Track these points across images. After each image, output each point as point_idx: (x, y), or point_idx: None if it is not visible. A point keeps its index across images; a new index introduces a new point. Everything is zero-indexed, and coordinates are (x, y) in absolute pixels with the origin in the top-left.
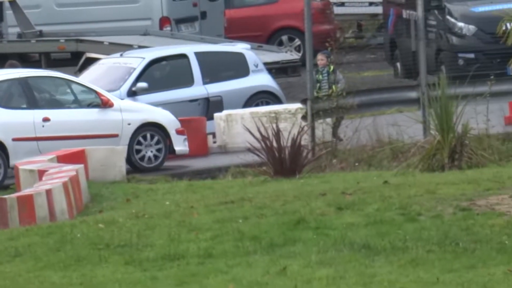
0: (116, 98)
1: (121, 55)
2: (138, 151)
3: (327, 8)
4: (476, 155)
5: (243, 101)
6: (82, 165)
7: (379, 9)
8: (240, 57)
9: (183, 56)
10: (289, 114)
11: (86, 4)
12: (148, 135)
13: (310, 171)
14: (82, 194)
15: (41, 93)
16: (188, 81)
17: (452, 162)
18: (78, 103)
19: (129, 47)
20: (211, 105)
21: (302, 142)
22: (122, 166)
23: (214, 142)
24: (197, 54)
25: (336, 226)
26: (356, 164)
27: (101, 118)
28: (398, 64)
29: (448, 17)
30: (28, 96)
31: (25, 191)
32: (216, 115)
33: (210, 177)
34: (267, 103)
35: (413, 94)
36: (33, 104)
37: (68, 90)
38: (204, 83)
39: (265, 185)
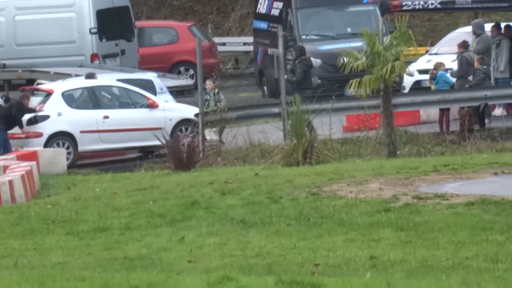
0: (161, 100)
1: (63, 81)
2: None
3: (212, 47)
4: (322, 154)
5: None
6: (35, 162)
7: (251, 48)
8: (149, 82)
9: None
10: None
11: (37, 44)
12: (183, 128)
13: (201, 166)
14: (35, 183)
15: (103, 98)
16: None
17: (304, 159)
18: (131, 105)
19: (69, 75)
20: None
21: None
22: (64, 163)
23: None
24: (119, 81)
25: (221, 206)
26: (235, 161)
27: (148, 116)
28: (265, 88)
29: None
30: (93, 99)
31: None
32: None
33: (128, 171)
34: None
35: (276, 110)
36: (96, 105)
37: (124, 95)
38: None
39: (168, 176)
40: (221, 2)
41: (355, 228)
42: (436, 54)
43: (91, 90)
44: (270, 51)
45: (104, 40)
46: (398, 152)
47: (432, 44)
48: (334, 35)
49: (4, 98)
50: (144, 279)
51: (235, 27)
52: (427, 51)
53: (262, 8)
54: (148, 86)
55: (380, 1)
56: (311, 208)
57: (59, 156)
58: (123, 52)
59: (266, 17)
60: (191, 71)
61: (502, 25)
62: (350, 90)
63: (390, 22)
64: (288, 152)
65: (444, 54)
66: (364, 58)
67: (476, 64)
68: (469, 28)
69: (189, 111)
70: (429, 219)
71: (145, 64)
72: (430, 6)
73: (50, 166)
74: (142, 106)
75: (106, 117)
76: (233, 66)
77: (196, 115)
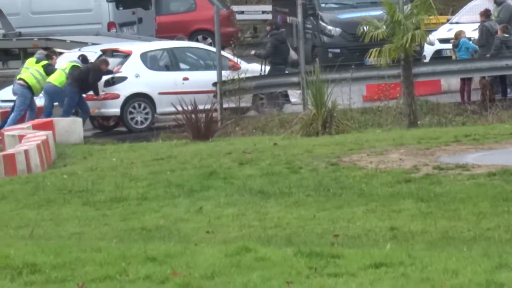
0: (244, 62)
1: (79, 49)
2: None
3: (231, 15)
4: (342, 124)
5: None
6: (50, 132)
7: (269, 16)
8: None
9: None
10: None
11: (53, 12)
12: None
13: (220, 136)
14: (51, 153)
15: (183, 59)
16: None
17: (324, 129)
18: (211, 66)
19: (85, 44)
20: None
21: (213, 114)
22: (81, 132)
23: None
24: None
25: (239, 176)
26: (253, 131)
27: (230, 77)
28: None
29: (320, 22)
30: (172, 61)
31: (9, 151)
32: None
33: (145, 140)
34: None
35: (295, 79)
36: (176, 67)
37: (205, 56)
38: None
39: (186, 146)
40: None
41: (375, 199)
42: (457, 23)
43: (171, 52)
44: (289, 19)
45: (121, 8)
46: (418, 122)
47: (453, 12)
48: (354, 3)
49: (81, 58)
50: (161, 250)
51: None
52: (448, 20)
53: None
54: None
55: None
56: (331, 178)
57: (75, 125)
58: (140, 20)
59: None
60: (209, 40)
61: None
62: (370, 59)
63: None
64: (307, 122)
65: (465, 23)
66: (384, 27)
67: (499, 33)
68: None
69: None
70: (450, 190)
71: (162, 32)
72: None
73: (67, 136)
74: (223, 68)
75: (185, 78)
76: (251, 35)
77: (215, 84)
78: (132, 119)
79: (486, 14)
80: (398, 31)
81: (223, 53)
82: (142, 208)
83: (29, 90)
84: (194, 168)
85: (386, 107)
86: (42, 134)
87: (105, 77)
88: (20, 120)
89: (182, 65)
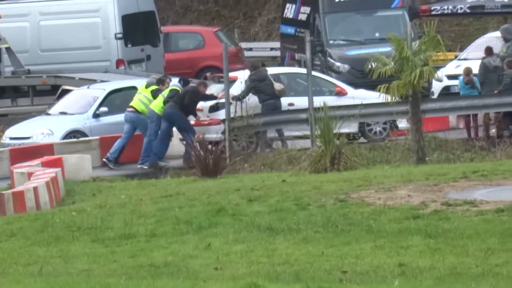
0: (351, 88)
1: (88, 87)
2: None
3: (239, 52)
4: (350, 160)
5: None
6: (59, 169)
7: (278, 53)
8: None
9: (134, 88)
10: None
11: (62, 49)
12: None
13: (228, 173)
14: (60, 190)
15: (289, 85)
16: None
17: (332, 166)
18: (319, 92)
19: (94, 81)
20: None
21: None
22: (89, 169)
23: None
24: None
25: (247, 213)
26: (262, 167)
27: (336, 103)
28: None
29: (328, 58)
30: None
31: (18, 188)
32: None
33: (154, 177)
34: None
35: (303, 115)
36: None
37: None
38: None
39: (195, 183)
40: (247, 7)
41: (383, 235)
42: (465, 59)
43: (277, 78)
44: (297, 56)
45: (129, 45)
46: (427, 159)
47: (461, 49)
48: (362, 40)
49: (182, 82)
50: (170, 287)
51: (262, 32)
52: (456, 57)
53: (289, 13)
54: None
55: (409, 6)
56: (339, 215)
57: (84, 162)
58: (148, 57)
59: (293, 21)
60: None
61: None
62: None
63: (418, 27)
64: (315, 159)
65: (473, 59)
66: (393, 63)
67: (506, 68)
68: (498, 33)
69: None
70: (458, 226)
71: (171, 69)
72: (459, 11)
73: (76, 173)
74: (330, 93)
75: (291, 104)
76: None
77: (223, 120)
78: (238, 145)
79: (487, 51)
80: (406, 68)
81: (329, 78)
82: (150, 245)
83: (142, 115)
84: (202, 204)
85: (395, 144)
86: (51, 171)
87: (209, 103)
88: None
89: (288, 91)
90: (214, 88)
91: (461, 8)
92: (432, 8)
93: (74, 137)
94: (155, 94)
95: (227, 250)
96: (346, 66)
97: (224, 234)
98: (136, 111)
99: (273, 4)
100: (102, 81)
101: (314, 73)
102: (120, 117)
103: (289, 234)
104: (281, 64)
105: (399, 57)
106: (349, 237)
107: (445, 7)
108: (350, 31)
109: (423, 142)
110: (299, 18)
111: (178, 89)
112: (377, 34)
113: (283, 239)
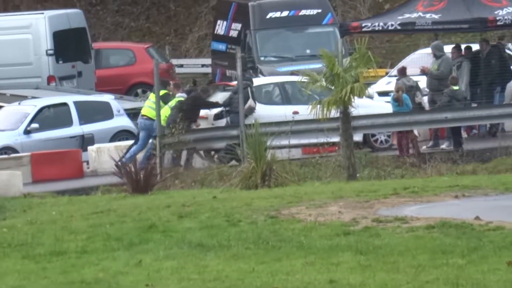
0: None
1: (19, 103)
2: (373, 136)
3: (170, 68)
4: (281, 177)
5: (109, 137)
6: None
7: (209, 69)
8: (106, 104)
9: (65, 104)
10: None
11: None
12: None
13: (159, 189)
14: None
15: (293, 93)
16: (68, 122)
17: (263, 182)
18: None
19: (25, 97)
20: (86, 140)
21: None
22: (20, 185)
23: (88, 168)
24: (75, 102)
25: (178, 229)
26: (193, 184)
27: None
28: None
29: (259, 75)
30: (283, 95)
31: None
32: (89, 147)
33: (85, 193)
34: (127, 139)
35: (234, 132)
36: (286, 101)
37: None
38: (80, 123)
39: (125, 199)
40: (179, 23)
41: (314, 252)
42: (396, 76)
43: (281, 86)
44: (228, 72)
45: (60, 62)
46: (357, 175)
47: (392, 66)
48: (293, 56)
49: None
50: None
51: (193, 48)
52: (387, 73)
53: (220, 30)
54: (105, 108)
55: (340, 23)
56: (270, 231)
57: (15, 179)
58: (80, 74)
59: (224, 38)
60: (149, 93)
61: (462, 46)
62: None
63: (349, 44)
64: (246, 175)
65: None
66: (324, 80)
67: (449, 83)
68: (429, 50)
69: (381, 107)
70: (389, 243)
71: (102, 86)
72: (390, 28)
73: (6, 189)
74: None
75: (295, 112)
76: (190, 88)
77: (154, 137)
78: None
79: (402, 71)
80: (337, 84)
81: None
82: (81, 261)
83: (153, 122)
84: (133, 221)
85: (325, 160)
86: None
87: (214, 111)
88: None
89: (292, 99)
90: (219, 96)
91: (392, 25)
92: (363, 25)
93: (5, 153)
94: (165, 99)
95: (158, 266)
96: None
97: (155, 251)
98: (149, 118)
99: (204, 21)
100: (33, 98)
101: None
102: (51, 134)
103: (220, 250)
104: (213, 81)
105: (330, 74)
106: (280, 254)
107: (376, 24)
108: (281, 47)
109: (354, 159)
110: (230, 35)
111: (183, 100)
112: (308, 51)
113: (214, 256)
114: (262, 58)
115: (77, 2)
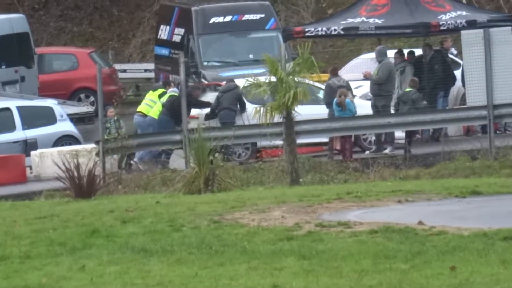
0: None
1: None
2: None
3: (113, 73)
4: (224, 182)
5: (52, 142)
6: None
7: (152, 74)
8: (49, 109)
9: (7, 109)
10: (86, 152)
11: None
12: None
13: (102, 194)
14: None
15: None
16: (11, 127)
17: (206, 187)
18: (315, 102)
19: None
20: (29, 145)
21: (96, 173)
22: None
23: (31, 173)
24: (18, 107)
25: (121, 234)
26: (136, 189)
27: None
28: None
29: (202, 80)
30: (274, 96)
31: None
32: (32, 152)
33: (28, 198)
34: (70, 144)
35: (177, 137)
36: None
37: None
38: (23, 128)
39: (68, 204)
40: (121, 28)
41: (257, 257)
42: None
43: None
44: (171, 77)
45: (3, 66)
46: (300, 180)
47: None
48: (236, 61)
49: (180, 88)
50: None
51: (136, 53)
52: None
53: (163, 35)
54: (48, 113)
55: (283, 27)
56: (213, 236)
57: None
58: (22, 78)
59: (167, 43)
60: (92, 98)
61: (405, 51)
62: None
63: (293, 49)
64: (189, 180)
65: (348, 81)
66: (267, 84)
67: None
68: (372, 55)
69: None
70: (332, 247)
71: (45, 91)
72: (333, 32)
73: None
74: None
75: None
76: (134, 93)
77: (97, 142)
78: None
79: (333, 72)
80: (281, 89)
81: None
82: (25, 267)
83: (145, 119)
84: (76, 226)
85: (269, 165)
86: None
87: (205, 110)
88: None
89: None
90: (210, 96)
91: (335, 30)
92: (306, 30)
93: None
94: (162, 97)
95: (101, 271)
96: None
97: (98, 256)
98: (144, 115)
99: (147, 26)
100: None
101: (310, 81)
102: None
103: (163, 255)
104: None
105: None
106: (223, 258)
107: (319, 29)
108: (224, 52)
109: (297, 164)
110: (173, 40)
111: (177, 94)
112: (251, 56)
113: (157, 261)
114: (205, 63)
115: (20, 7)
